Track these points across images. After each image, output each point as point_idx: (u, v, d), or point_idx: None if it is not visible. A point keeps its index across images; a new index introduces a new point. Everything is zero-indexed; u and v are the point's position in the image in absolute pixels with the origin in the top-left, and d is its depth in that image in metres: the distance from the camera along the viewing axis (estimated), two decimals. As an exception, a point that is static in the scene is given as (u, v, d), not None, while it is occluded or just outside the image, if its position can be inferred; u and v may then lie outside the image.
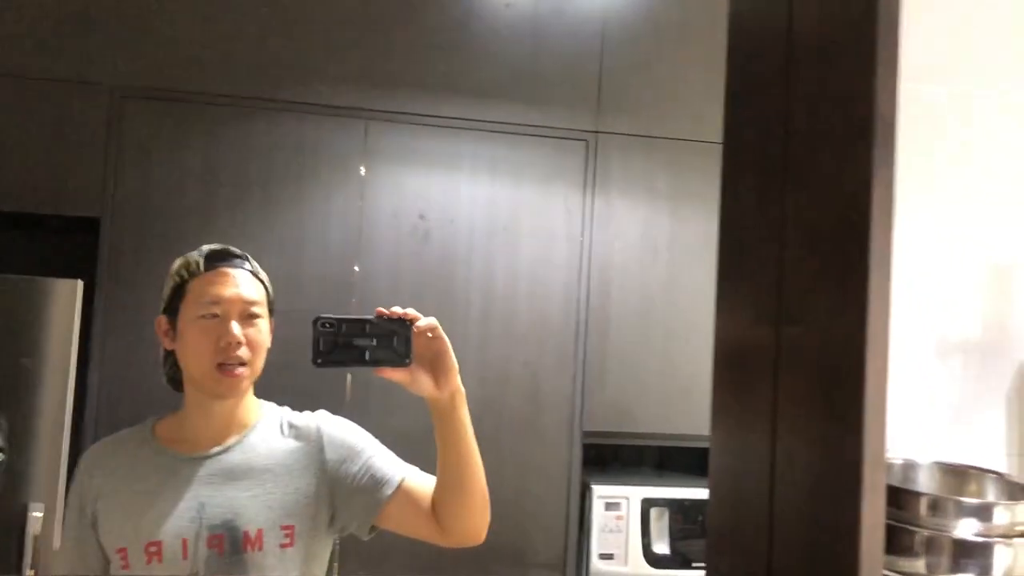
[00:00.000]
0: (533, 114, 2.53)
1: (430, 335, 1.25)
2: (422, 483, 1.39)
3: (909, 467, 0.89)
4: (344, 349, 1.19)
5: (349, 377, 2.38)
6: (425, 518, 1.35)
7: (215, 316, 1.33)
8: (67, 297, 2.21)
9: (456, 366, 1.27)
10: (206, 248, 1.40)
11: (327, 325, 1.19)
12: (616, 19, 2.59)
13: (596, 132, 2.55)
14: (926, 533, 0.70)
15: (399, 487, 1.37)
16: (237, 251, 1.41)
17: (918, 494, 0.74)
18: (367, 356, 1.20)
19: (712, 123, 2.61)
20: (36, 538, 2.12)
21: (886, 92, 0.70)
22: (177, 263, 1.40)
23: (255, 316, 1.36)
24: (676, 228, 2.59)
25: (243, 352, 1.33)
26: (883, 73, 0.70)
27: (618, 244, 2.56)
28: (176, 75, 2.38)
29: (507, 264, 2.50)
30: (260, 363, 1.37)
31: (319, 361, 1.19)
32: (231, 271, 1.36)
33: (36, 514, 2.12)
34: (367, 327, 1.21)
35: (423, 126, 2.48)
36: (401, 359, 1.21)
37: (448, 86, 2.50)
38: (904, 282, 0.97)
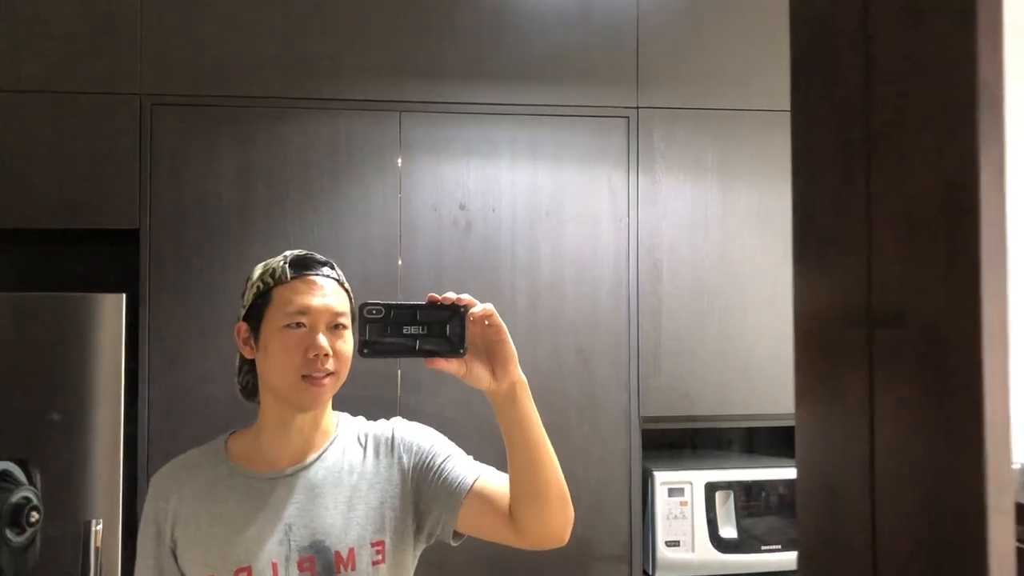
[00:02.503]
0: (571, 94, 2.44)
1: (487, 323, 1.17)
2: (498, 483, 1.32)
3: (1029, 476, 0.80)
4: (393, 338, 1.12)
5: (400, 377, 2.33)
6: (502, 520, 1.29)
7: (301, 326, 1.27)
8: (112, 311, 2.20)
9: (515, 354, 1.20)
10: (290, 254, 1.34)
11: (374, 312, 1.11)
12: (651, -12, 2.48)
13: (637, 108, 2.46)
14: (1058, 554, 0.62)
15: (472, 488, 1.31)
16: (322, 257, 1.36)
17: (1047, 510, 0.66)
18: (417, 346, 1.13)
19: (759, 90, 2.50)
20: (99, 550, 2.12)
21: (989, 55, 0.61)
22: (259, 269, 1.34)
23: (342, 327, 1.31)
24: (726, 201, 2.49)
25: (330, 364, 1.27)
26: (985, 32, 0.61)
27: (666, 223, 2.47)
28: (205, 79, 2.34)
29: (552, 250, 2.43)
30: (345, 374, 1.31)
31: (365, 351, 1.11)
32: (318, 279, 1.31)
33: (98, 528, 2.12)
34: (418, 314, 1.13)
35: (458, 114, 2.41)
36: (455, 349, 1.13)
37: (481, 71, 2.43)
38: (1015, 259, 0.88)
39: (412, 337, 1.12)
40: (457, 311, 1.14)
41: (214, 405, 2.22)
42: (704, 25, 2.51)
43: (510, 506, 1.28)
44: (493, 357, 1.19)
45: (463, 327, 1.13)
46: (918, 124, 0.67)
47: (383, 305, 1.11)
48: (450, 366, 1.15)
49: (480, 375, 1.18)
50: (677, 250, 2.47)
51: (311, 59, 2.37)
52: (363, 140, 2.38)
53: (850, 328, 0.75)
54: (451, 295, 1.15)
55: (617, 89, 2.45)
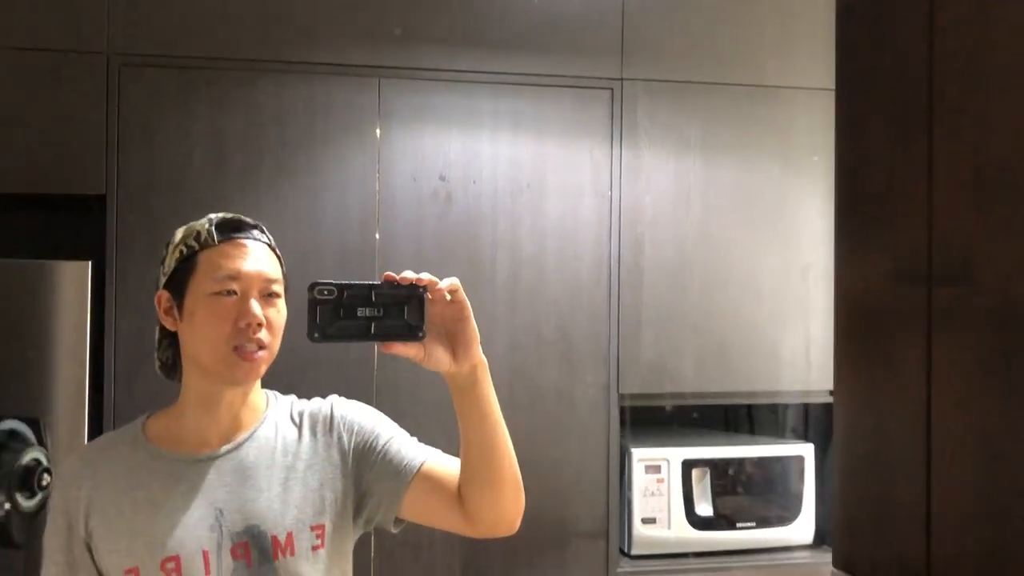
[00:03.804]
0: (555, 63, 2.39)
1: (449, 299, 1.09)
2: (447, 466, 1.25)
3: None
4: (345, 321, 1.03)
5: (375, 351, 2.28)
6: (450, 506, 1.22)
7: (232, 293, 1.17)
8: (77, 279, 2.11)
9: (477, 335, 1.12)
10: (215, 216, 1.24)
11: (325, 292, 1.02)
12: (636, -41, 2.44)
13: (621, 79, 2.42)
14: None
15: (419, 471, 1.24)
16: (250, 220, 1.26)
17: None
18: (372, 329, 1.04)
19: (745, 65, 2.48)
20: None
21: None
22: (180, 232, 1.24)
23: (275, 295, 1.21)
24: (709, 177, 2.47)
25: (263, 335, 1.18)
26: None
27: (648, 197, 2.44)
28: (177, 39, 2.24)
29: (534, 223, 2.39)
30: (277, 347, 1.22)
31: (316, 335, 1.02)
32: (248, 243, 1.21)
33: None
34: (373, 294, 1.04)
35: (439, 81, 2.35)
36: (413, 332, 1.05)
37: (464, 38, 2.36)
38: None
39: (367, 320, 1.04)
40: (416, 291, 1.06)
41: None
42: (689, -2, 2.48)
43: (460, 491, 1.22)
44: (454, 338, 1.11)
45: (422, 308, 1.06)
46: (989, 74, 0.64)
47: (335, 285, 1.03)
48: (408, 350, 1.07)
49: (440, 358, 1.10)
50: (659, 225, 2.45)
51: (288, 19, 2.28)
52: (341, 107, 2.31)
53: (905, 287, 0.73)
54: (410, 274, 1.07)
55: (601, 60, 2.41)
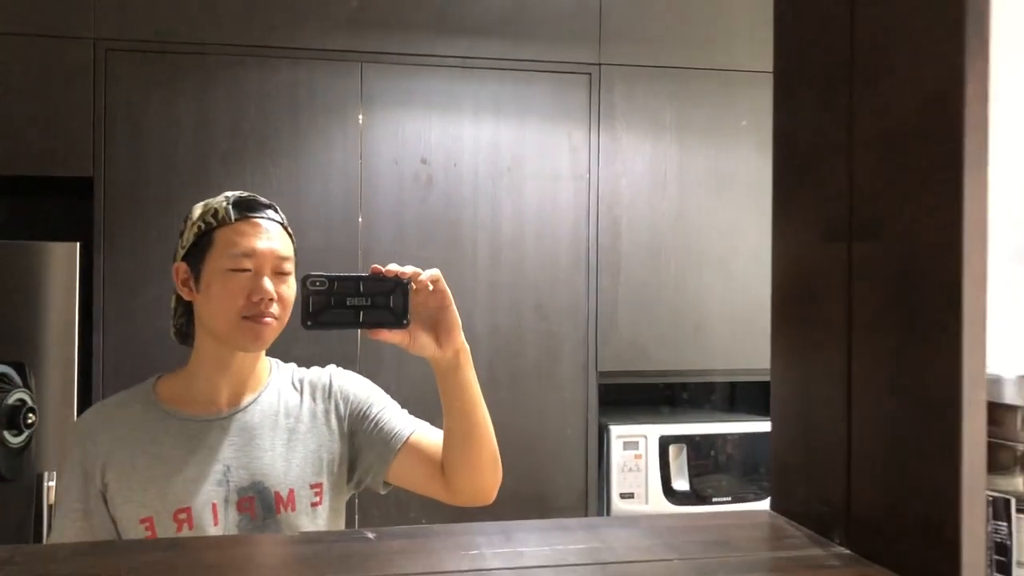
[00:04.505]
0: (534, 49, 2.44)
1: (431, 288, 1.17)
2: (432, 439, 1.34)
3: (995, 382, 0.85)
4: (336, 310, 1.11)
5: (358, 337, 2.33)
6: (433, 475, 1.31)
7: (246, 270, 1.25)
8: (66, 260, 2.15)
9: (459, 322, 1.20)
10: (232, 195, 1.31)
11: (317, 283, 1.10)
12: (614, -54, 2.50)
13: (599, 64, 2.47)
14: (1023, 448, 0.67)
15: (407, 441, 1.32)
16: (264, 200, 1.32)
17: (1014, 408, 0.70)
18: (361, 317, 1.12)
19: (720, 50, 2.53)
20: (52, 507, 2.09)
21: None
22: (199, 209, 1.31)
23: (286, 273, 1.29)
24: (684, 160, 2.53)
25: (275, 308, 1.26)
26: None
27: (625, 180, 2.50)
28: (164, 25, 2.28)
29: (514, 206, 2.44)
30: (287, 318, 1.29)
31: (309, 323, 1.10)
32: (263, 222, 1.28)
33: (51, 484, 2.08)
34: (361, 285, 1.12)
35: (420, 66, 2.40)
36: (398, 320, 1.14)
37: (444, 23, 2.41)
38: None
39: (355, 309, 1.12)
40: (400, 283, 1.14)
41: (168, 357, 2.18)
42: (665, -15, 2.53)
43: (443, 462, 1.30)
44: (437, 325, 1.19)
45: (406, 298, 1.14)
46: (904, 39, 0.70)
47: (326, 277, 1.10)
48: (393, 337, 1.15)
49: (424, 344, 1.18)
50: (635, 207, 2.50)
51: (271, 5, 2.33)
52: (324, 91, 2.35)
53: (830, 245, 0.79)
54: (394, 267, 1.14)
55: (580, 45, 2.47)
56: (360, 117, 2.37)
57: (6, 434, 0.56)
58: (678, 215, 2.52)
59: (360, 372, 1.43)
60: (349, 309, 1.11)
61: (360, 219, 2.37)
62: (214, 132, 2.30)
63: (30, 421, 0.60)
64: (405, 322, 1.14)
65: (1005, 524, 0.62)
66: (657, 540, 0.81)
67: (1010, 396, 0.81)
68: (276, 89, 2.33)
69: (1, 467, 0.56)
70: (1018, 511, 0.64)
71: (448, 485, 1.29)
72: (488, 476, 1.30)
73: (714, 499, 2.60)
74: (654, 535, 0.83)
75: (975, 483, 0.64)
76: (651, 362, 2.53)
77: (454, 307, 1.20)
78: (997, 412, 0.70)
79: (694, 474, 2.58)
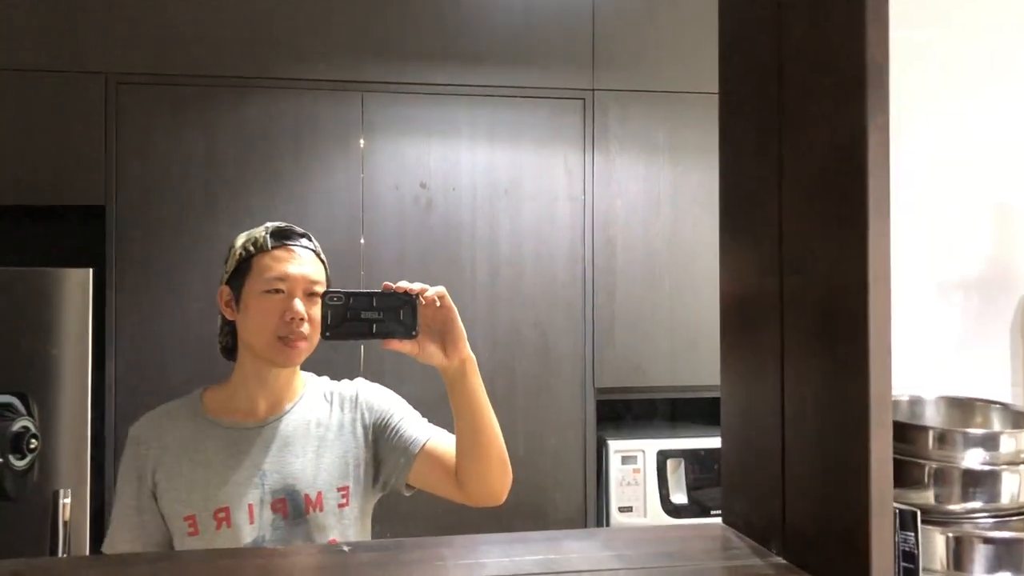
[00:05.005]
0: (529, 76, 2.52)
1: (438, 303, 1.28)
2: (446, 445, 1.44)
3: (916, 402, 0.91)
4: (352, 322, 1.22)
5: (363, 348, 2.41)
6: (448, 478, 1.41)
7: (280, 292, 1.38)
8: (79, 286, 2.24)
9: (464, 334, 1.31)
10: (271, 225, 1.45)
11: (335, 299, 1.21)
12: (606, -26, 2.58)
13: (593, 90, 2.55)
14: (935, 465, 0.73)
15: (423, 447, 1.43)
16: (299, 229, 1.46)
17: (925, 428, 0.76)
18: (374, 329, 1.23)
19: (709, 74, 2.59)
20: (67, 523, 2.17)
21: (877, 38, 0.71)
22: (242, 238, 1.44)
23: (317, 294, 1.40)
24: (677, 181, 2.60)
25: (304, 328, 1.38)
26: (874, 19, 0.71)
27: (620, 201, 2.57)
28: (171, 59, 2.38)
29: (511, 227, 2.52)
30: (317, 338, 1.40)
31: (327, 334, 1.22)
32: (296, 249, 1.42)
33: (66, 500, 2.16)
34: (374, 300, 1.23)
35: (419, 95, 2.48)
36: (407, 331, 1.24)
37: (442, 53, 2.50)
38: (907, 221, 0.99)
39: (369, 322, 1.23)
40: (410, 298, 1.24)
41: (179, 378, 2.28)
42: (657, 10, 2.60)
43: (456, 466, 1.41)
44: (444, 337, 1.30)
45: (415, 312, 1.24)
46: (819, 97, 0.77)
47: (343, 293, 1.22)
48: (404, 347, 1.25)
49: (432, 353, 1.29)
50: (630, 227, 2.57)
51: (274, 39, 2.42)
52: (326, 120, 2.44)
53: (765, 279, 0.85)
54: (404, 284, 1.25)
55: (573, 72, 2.54)
56: (361, 144, 2.46)
57: (11, 458, 0.63)
58: (672, 234, 2.59)
59: (367, 377, 1.54)
60: (363, 322, 1.22)
61: (362, 240, 2.45)
62: (220, 160, 2.39)
63: (32, 446, 0.68)
64: (414, 334, 1.24)
65: (912, 534, 0.68)
66: (611, 552, 0.88)
67: (928, 416, 0.87)
68: (280, 118, 2.41)
69: (8, 488, 0.63)
70: (924, 522, 0.70)
71: (461, 487, 1.40)
72: (497, 477, 1.40)
73: (712, 512, 2.65)
74: (609, 547, 0.90)
75: (883, 497, 0.70)
76: (647, 378, 2.59)
77: (459, 321, 1.31)
78: (912, 432, 0.76)
79: (695, 487, 2.63)
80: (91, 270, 2.25)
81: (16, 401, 0.72)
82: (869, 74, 0.71)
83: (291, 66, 2.43)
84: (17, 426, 0.69)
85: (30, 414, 0.72)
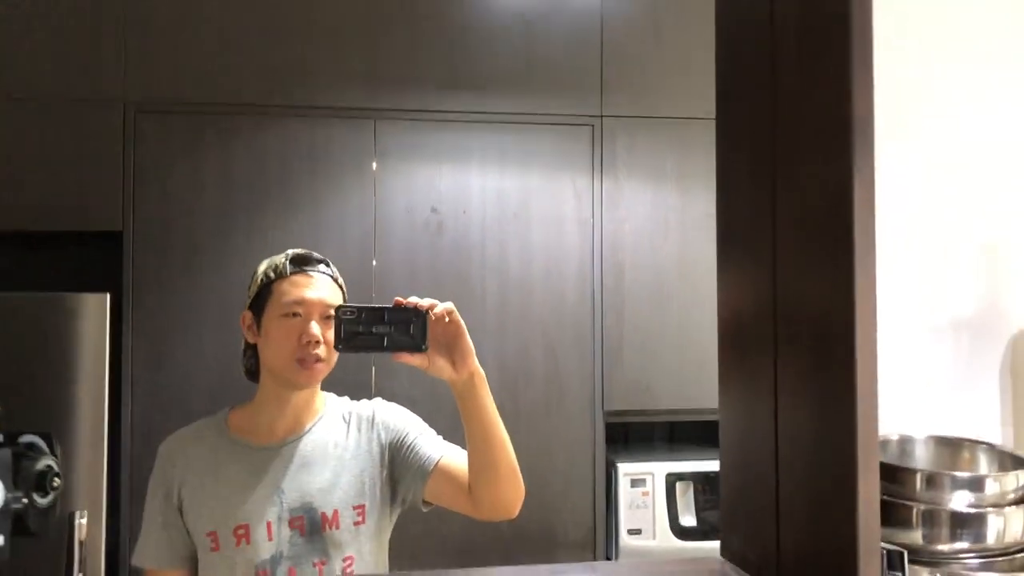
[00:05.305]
0: (538, 102, 2.56)
1: (447, 319, 1.32)
2: (459, 462, 1.48)
3: (906, 441, 0.93)
4: (364, 336, 1.27)
5: (374, 369, 2.44)
6: (462, 492, 1.45)
7: (297, 315, 1.44)
8: (96, 310, 2.28)
9: (472, 349, 1.35)
10: (291, 252, 1.51)
11: (348, 313, 1.26)
12: (614, 3, 2.62)
13: (601, 116, 2.58)
14: (923, 506, 0.75)
15: (437, 465, 1.47)
16: (318, 256, 1.52)
17: (914, 470, 0.78)
18: (385, 342, 1.28)
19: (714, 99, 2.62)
20: (83, 543, 2.21)
21: (862, 92, 0.74)
22: (264, 265, 1.50)
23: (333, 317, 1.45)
24: (684, 205, 2.62)
25: (321, 350, 1.43)
26: (859, 74, 0.74)
27: (628, 225, 2.60)
28: (188, 88, 2.43)
29: (520, 250, 2.55)
30: (335, 359, 1.47)
31: (340, 347, 1.27)
32: (313, 274, 1.48)
33: (82, 521, 2.20)
34: (385, 315, 1.28)
35: (431, 121, 2.53)
36: (417, 345, 1.28)
37: (453, 80, 2.54)
38: (896, 263, 1.01)
39: (381, 335, 1.27)
40: (419, 313, 1.29)
41: (195, 401, 2.31)
42: (665, 37, 2.64)
43: (469, 480, 1.44)
44: (453, 351, 1.34)
45: (424, 326, 1.29)
46: (809, 144, 0.80)
47: (356, 308, 1.27)
48: (414, 360, 1.30)
49: (442, 367, 1.33)
50: (638, 251, 2.60)
51: (290, 68, 2.47)
52: (340, 146, 2.49)
53: (759, 315, 0.88)
54: (414, 299, 1.30)
55: (582, 98, 2.58)
56: (374, 168, 2.50)
57: (35, 496, 0.66)
58: (679, 258, 2.61)
59: (378, 394, 1.57)
60: (375, 335, 1.27)
61: (375, 263, 2.49)
62: (236, 187, 2.43)
63: (55, 484, 0.71)
64: (424, 347, 1.29)
65: (900, 573, 0.70)
66: (610, 585, 0.90)
67: (918, 455, 0.89)
68: (294, 145, 2.46)
69: (31, 525, 0.66)
70: (912, 562, 0.72)
71: (474, 501, 1.44)
72: (509, 489, 1.43)
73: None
74: (608, 581, 0.92)
75: (871, 537, 0.73)
76: (656, 400, 2.60)
77: (467, 336, 1.34)
78: (901, 474, 0.78)
79: (704, 509, 2.64)
80: (108, 295, 2.30)
81: (40, 441, 0.75)
82: (855, 125, 0.73)
83: (306, 94, 2.48)
84: (41, 465, 0.72)
85: (53, 453, 0.75)
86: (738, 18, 0.98)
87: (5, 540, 0.65)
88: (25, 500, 0.68)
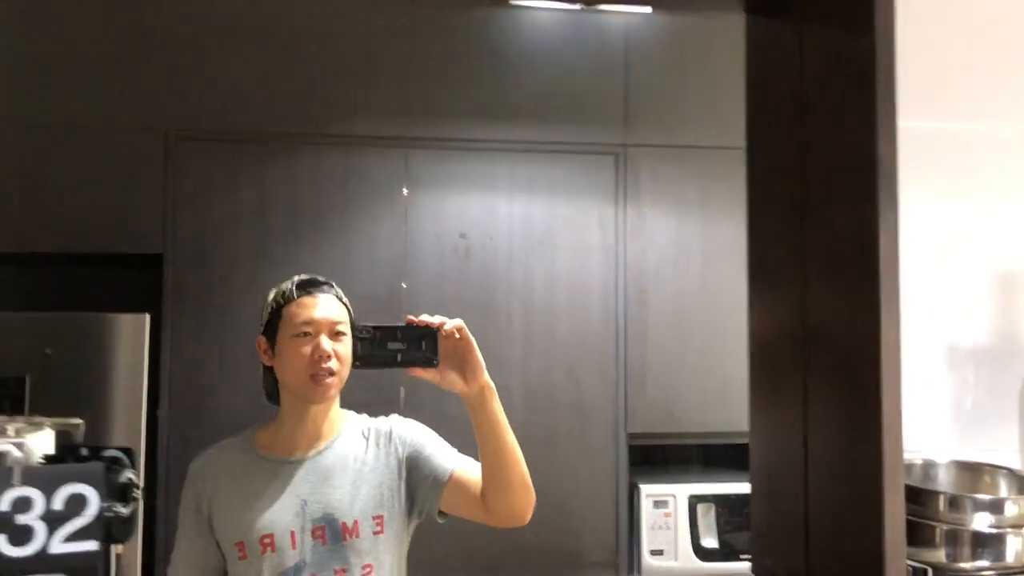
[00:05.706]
0: (564, 132, 2.64)
1: (457, 335, 1.39)
2: (472, 472, 1.55)
3: (929, 466, 0.98)
4: (379, 352, 1.36)
5: (402, 390, 2.50)
6: (475, 502, 1.52)
7: (308, 334, 1.51)
8: (136, 331, 2.36)
9: (482, 363, 1.41)
10: (297, 278, 1.58)
11: (364, 333, 1.35)
12: (638, 34, 2.69)
13: (625, 145, 2.65)
14: (946, 527, 0.80)
15: (451, 476, 1.54)
16: (323, 279, 1.59)
17: (937, 492, 0.83)
18: (399, 358, 1.36)
19: (739, 129, 2.68)
20: (119, 556, 2.26)
21: (887, 140, 0.80)
22: (273, 292, 1.58)
23: (341, 333, 1.53)
24: (707, 232, 2.68)
25: (332, 364, 1.51)
26: (883, 122, 0.80)
27: (651, 252, 2.65)
28: (227, 116, 2.52)
29: (545, 276, 2.61)
30: (346, 373, 1.54)
31: (358, 364, 1.36)
32: (320, 296, 1.55)
33: (119, 535, 2.26)
34: (399, 333, 1.36)
35: (461, 151, 2.60)
36: (429, 360, 1.36)
37: (482, 111, 2.62)
38: (917, 296, 1.05)
39: (395, 352, 1.36)
40: (431, 330, 1.36)
41: (229, 419, 2.38)
42: (688, 68, 2.71)
43: (481, 490, 1.51)
44: (464, 365, 1.41)
45: (436, 342, 1.36)
46: (837, 192, 0.86)
47: (372, 327, 1.35)
48: (426, 374, 1.37)
49: (453, 380, 1.40)
50: (662, 278, 2.65)
51: (325, 99, 2.56)
52: (372, 174, 2.56)
53: (790, 343, 0.94)
54: (426, 317, 1.37)
55: (606, 128, 2.65)
56: (405, 195, 2.57)
57: (118, 506, 0.72)
58: (702, 285, 2.67)
59: (404, 412, 1.64)
60: (390, 352, 1.36)
61: (404, 286, 2.56)
62: (272, 212, 2.51)
63: (135, 495, 0.77)
64: (435, 362, 1.37)
65: (924, 589, 0.75)
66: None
67: (940, 479, 0.94)
68: (329, 173, 2.54)
69: (116, 533, 0.72)
70: (935, 579, 0.77)
71: (488, 509, 1.50)
72: (520, 497, 1.49)
73: (742, 556, 2.69)
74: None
75: (896, 555, 0.78)
76: (679, 424, 2.65)
77: (477, 351, 1.41)
78: (925, 496, 0.83)
79: (725, 530, 2.68)
80: (148, 316, 2.37)
81: (123, 455, 0.81)
82: (880, 172, 0.79)
83: (340, 123, 2.56)
84: (123, 477, 0.78)
85: (134, 466, 0.82)
86: (768, 70, 1.05)
87: (99, 545, 0.71)
88: (115, 510, 0.74)
